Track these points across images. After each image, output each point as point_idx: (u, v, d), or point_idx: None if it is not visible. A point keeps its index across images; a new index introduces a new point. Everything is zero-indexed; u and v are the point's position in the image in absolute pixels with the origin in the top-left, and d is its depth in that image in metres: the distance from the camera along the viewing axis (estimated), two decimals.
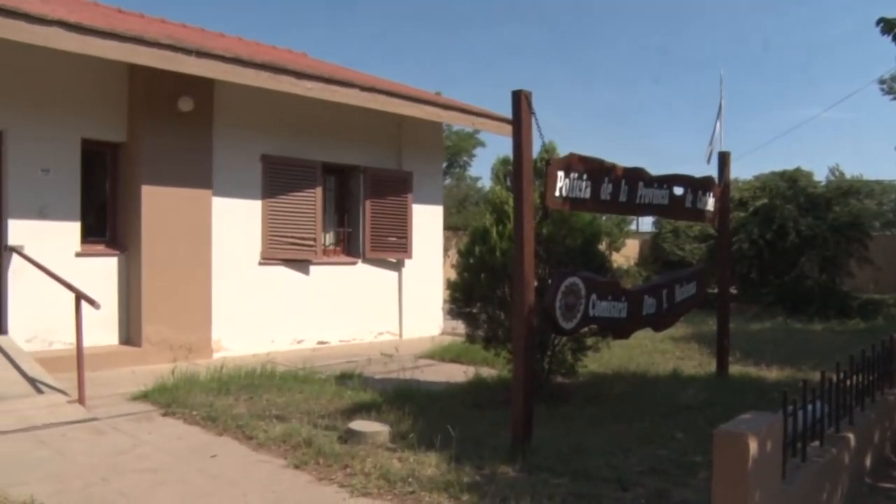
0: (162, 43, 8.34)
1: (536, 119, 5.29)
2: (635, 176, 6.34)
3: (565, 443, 5.34)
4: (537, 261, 5.49)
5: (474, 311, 7.37)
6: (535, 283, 5.35)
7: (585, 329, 6.41)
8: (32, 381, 7.06)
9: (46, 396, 6.80)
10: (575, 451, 5.15)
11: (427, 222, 12.49)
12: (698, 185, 7.45)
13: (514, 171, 5.37)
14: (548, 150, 6.23)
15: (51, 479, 4.72)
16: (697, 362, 9.53)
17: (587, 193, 5.71)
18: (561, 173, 5.43)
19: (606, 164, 5.96)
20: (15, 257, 8.42)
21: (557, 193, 5.43)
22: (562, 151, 6.64)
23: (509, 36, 62.63)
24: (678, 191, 7.10)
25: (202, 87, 9.44)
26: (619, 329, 6.35)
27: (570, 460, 4.95)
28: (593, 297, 5.70)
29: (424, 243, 12.40)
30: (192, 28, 11.83)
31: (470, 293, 7.28)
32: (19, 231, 8.52)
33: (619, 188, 6.10)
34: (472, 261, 7.19)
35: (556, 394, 7.13)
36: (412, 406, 6.33)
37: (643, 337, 9.87)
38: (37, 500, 4.25)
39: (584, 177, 5.64)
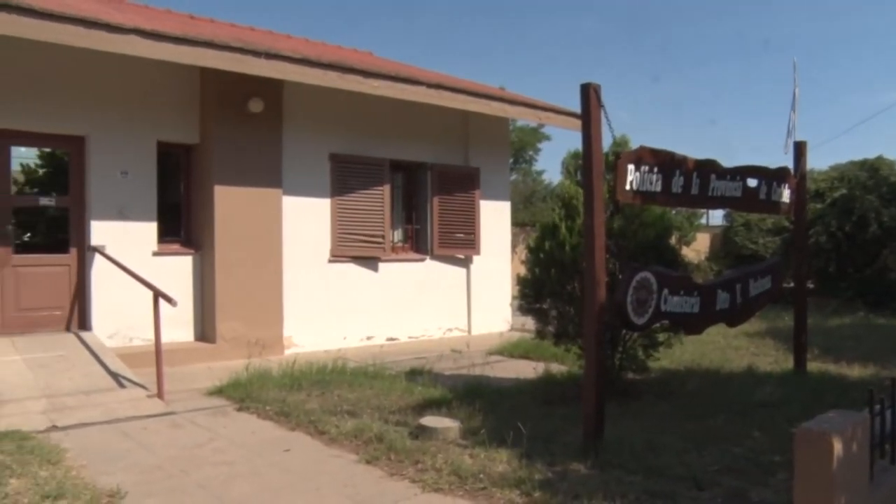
0: (232, 46, 8.53)
1: (606, 112, 5.23)
2: (707, 168, 6.21)
3: (637, 440, 5.25)
4: (607, 256, 5.42)
5: (544, 306, 7.31)
6: (606, 279, 5.28)
7: (657, 324, 6.30)
8: (115, 376, 7.32)
9: (128, 391, 7.04)
10: (648, 449, 5.06)
11: (494, 218, 12.47)
12: (773, 177, 7.24)
13: (583, 165, 5.31)
14: (619, 143, 6.14)
15: (134, 470, 4.88)
16: (773, 359, 9.26)
17: (658, 187, 5.62)
18: (631, 167, 5.35)
19: (677, 156, 5.84)
20: (97, 257, 8.75)
21: (628, 187, 5.35)
22: (630, 145, 6.56)
23: (574, 28, 61.91)
24: (752, 182, 6.91)
25: (271, 89, 9.62)
26: (691, 324, 6.22)
27: (642, 458, 4.87)
28: (665, 291, 5.60)
29: (492, 239, 12.38)
30: (261, 31, 12.06)
31: (540, 289, 7.24)
32: (101, 232, 8.85)
33: (691, 181, 5.98)
34: (541, 256, 7.15)
35: (626, 390, 7.03)
36: (482, 402, 6.33)
37: (716, 332, 9.65)
38: (122, 489, 4.40)
39: (655, 170, 5.54)
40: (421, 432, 5.45)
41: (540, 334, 7.63)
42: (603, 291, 5.20)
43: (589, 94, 5.18)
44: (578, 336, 6.94)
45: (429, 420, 5.63)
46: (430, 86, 10.38)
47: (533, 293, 7.37)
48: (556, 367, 8.33)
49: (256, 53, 8.69)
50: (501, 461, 4.86)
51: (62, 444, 5.37)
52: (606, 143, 5.50)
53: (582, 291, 6.38)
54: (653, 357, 7.39)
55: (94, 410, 6.40)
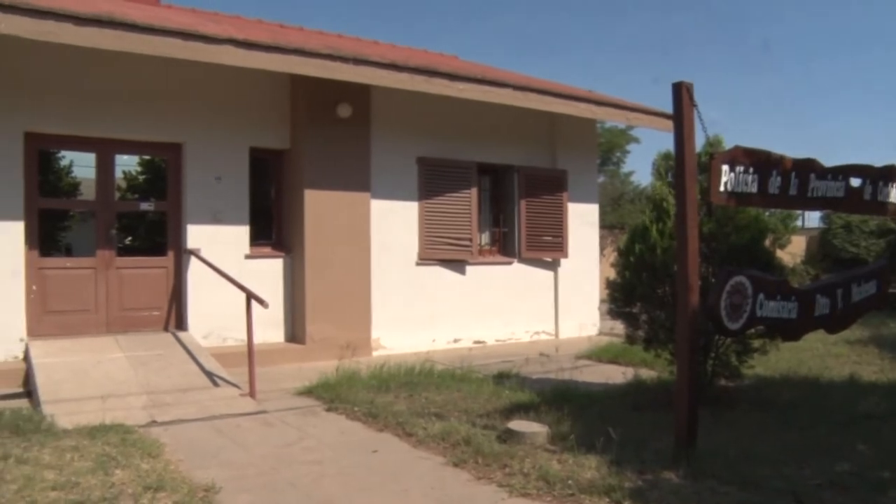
0: (321, 53, 8.70)
1: (699, 111, 5.06)
2: (807, 167, 5.94)
3: (732, 449, 5.06)
4: (700, 259, 5.26)
5: (634, 310, 7.17)
6: (699, 283, 5.12)
7: (752, 330, 6.08)
8: (210, 375, 7.55)
9: (222, 389, 7.25)
10: (743, 459, 4.87)
11: (582, 221, 12.32)
12: (879, 176, 6.87)
13: (675, 166, 5.16)
14: (712, 143, 5.96)
15: (228, 466, 5.01)
16: (877, 368, 8.82)
17: (754, 187, 5.41)
18: (726, 167, 5.17)
19: (774, 155, 5.62)
20: (193, 259, 9.05)
21: (722, 188, 5.17)
22: (724, 144, 6.36)
23: (662, 27, 60.65)
24: (855, 182, 6.57)
25: (359, 94, 9.75)
26: (788, 330, 5.96)
27: (737, 468, 4.68)
28: (761, 296, 5.38)
29: (580, 242, 12.24)
30: (348, 38, 12.27)
31: (630, 293, 7.10)
32: (196, 235, 9.15)
33: (789, 181, 5.73)
34: (631, 259, 7.01)
35: (719, 398, 6.81)
36: (570, 407, 6.23)
37: (814, 339, 9.24)
38: (217, 484, 4.51)
39: (751, 170, 5.34)
40: (508, 436, 5.40)
41: (629, 339, 7.49)
42: (696, 296, 5.05)
43: (681, 92, 5.04)
44: (669, 341, 6.78)
45: (516, 424, 5.58)
46: (516, 88, 10.34)
47: (622, 297, 7.24)
48: (646, 373, 8.15)
49: (345, 59, 8.83)
50: (590, 467, 4.76)
51: (161, 438, 5.56)
52: (698, 143, 5.34)
53: (673, 295, 6.22)
54: (747, 364, 7.14)
55: (191, 407, 6.62)
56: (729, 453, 4.95)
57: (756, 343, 6.96)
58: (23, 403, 6.75)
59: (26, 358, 7.79)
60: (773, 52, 56.97)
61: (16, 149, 8.18)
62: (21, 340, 8.09)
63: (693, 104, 5.04)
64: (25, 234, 8.24)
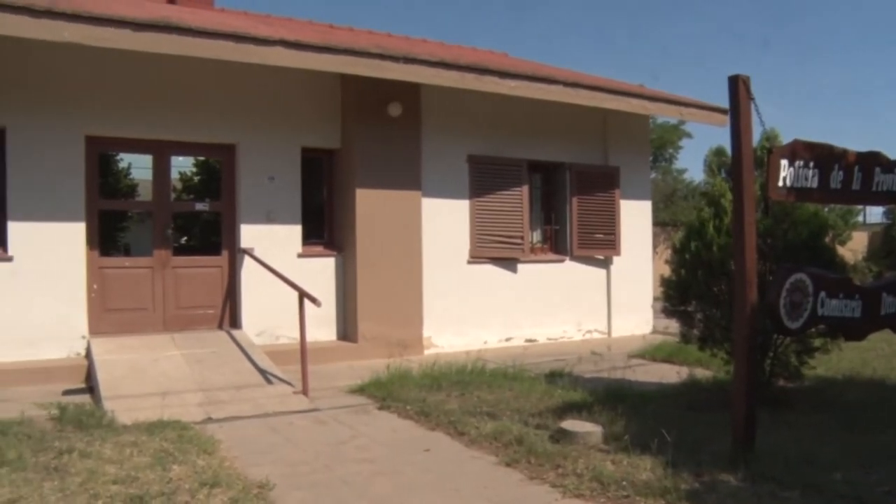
0: (371, 52, 8.73)
1: (756, 105, 4.93)
2: (871, 161, 5.75)
3: (792, 452, 4.93)
4: (758, 256, 5.12)
5: (689, 309, 7.04)
6: (756, 280, 4.99)
7: (812, 329, 5.92)
8: (263, 373, 7.64)
9: (275, 387, 7.33)
10: (804, 462, 4.73)
11: (635, 218, 12.16)
12: None
13: (732, 161, 5.04)
14: (769, 137, 5.80)
15: (281, 463, 5.05)
16: None
17: (814, 182, 5.25)
18: (784, 162, 5.03)
19: (836, 149, 5.45)
20: (247, 259, 9.17)
21: (781, 184, 5.03)
22: (781, 139, 6.19)
23: (714, 20, 59.58)
24: None
25: (409, 92, 9.77)
26: (851, 330, 5.78)
27: (799, 472, 4.54)
28: (822, 294, 5.23)
29: (633, 240, 12.08)
30: (397, 37, 12.30)
31: (685, 291, 6.97)
32: (250, 235, 9.27)
33: (852, 175, 5.55)
34: (687, 257, 6.88)
35: (778, 398, 6.63)
36: (624, 407, 6.14)
37: (879, 339, 8.92)
38: (271, 481, 4.55)
39: (811, 164, 5.19)
40: (561, 436, 5.35)
41: (684, 337, 7.36)
42: (754, 294, 4.92)
43: (738, 86, 4.91)
44: (725, 340, 6.65)
45: (569, 424, 5.52)
46: (567, 84, 10.24)
47: (677, 295, 7.11)
48: (701, 372, 7.99)
49: (395, 58, 8.85)
50: (645, 469, 4.67)
51: (216, 435, 5.63)
52: (755, 137, 5.21)
53: (730, 293, 6.08)
54: (807, 364, 6.95)
55: (245, 405, 6.70)
56: (789, 456, 4.82)
57: (817, 342, 6.77)
58: (85, 399, 6.92)
59: (88, 355, 7.99)
60: (826, 46, 55.38)
61: (77, 152, 8.40)
62: (83, 338, 8.31)
63: (750, 97, 4.92)
64: (87, 235, 8.46)
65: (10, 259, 8.03)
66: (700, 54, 57.21)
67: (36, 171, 8.13)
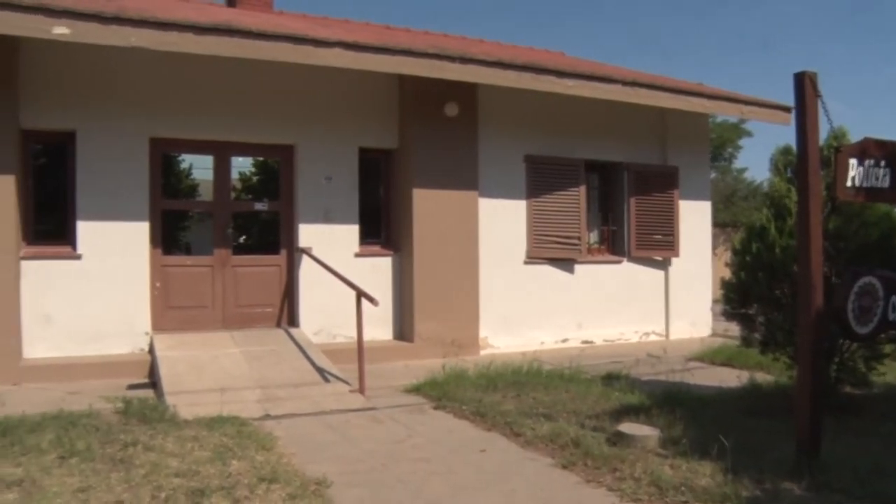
0: (428, 52, 8.75)
1: (823, 102, 4.79)
2: None
3: (860, 462, 4.75)
4: (823, 258, 4.97)
5: (750, 312, 6.88)
6: (822, 284, 4.85)
7: (882, 335, 5.72)
8: (320, 371, 7.72)
9: (332, 385, 7.40)
10: (874, 472, 4.55)
11: (694, 219, 11.94)
12: None
13: (797, 160, 4.91)
14: (837, 135, 5.63)
15: (338, 461, 5.09)
16: None
17: (886, 182, 5.07)
18: (853, 161, 4.88)
19: None
20: (305, 258, 9.28)
21: (849, 183, 4.88)
22: (849, 137, 5.99)
23: (774, 15, 58.16)
24: None
25: (466, 92, 9.76)
26: None
27: (868, 482, 4.37)
28: (893, 298, 5.06)
29: (691, 241, 11.87)
30: (454, 37, 12.31)
31: (745, 293, 6.81)
32: (308, 234, 9.38)
33: None
34: (748, 259, 6.72)
35: (844, 405, 6.42)
36: (682, 410, 6.05)
37: None
38: (328, 478, 4.58)
39: (883, 163, 5.02)
40: (618, 439, 5.28)
41: (745, 341, 7.20)
42: (820, 297, 4.78)
43: (804, 83, 4.78)
44: (787, 344, 6.48)
45: (627, 427, 5.45)
46: (625, 83, 10.11)
47: (738, 297, 6.96)
48: (762, 377, 7.82)
49: (451, 58, 8.85)
50: (704, 474, 4.59)
51: (274, 431, 5.71)
52: (821, 136, 5.06)
53: (793, 297, 5.92)
54: (876, 370, 6.72)
55: (302, 402, 6.78)
56: (857, 466, 4.65)
57: (887, 349, 6.55)
58: (148, 393, 7.09)
59: (151, 350, 8.19)
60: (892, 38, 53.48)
61: (142, 154, 8.62)
62: (146, 334, 8.51)
63: (817, 95, 4.78)
64: (150, 234, 8.67)
65: (78, 257, 8.29)
66: (762, 49, 55.94)
67: (103, 173, 8.37)
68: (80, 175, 8.34)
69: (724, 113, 12.83)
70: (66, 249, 8.34)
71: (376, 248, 10.00)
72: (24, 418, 5.72)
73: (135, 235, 8.54)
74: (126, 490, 4.26)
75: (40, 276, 8.12)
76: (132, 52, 7.62)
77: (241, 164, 14.82)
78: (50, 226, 8.58)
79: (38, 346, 8.07)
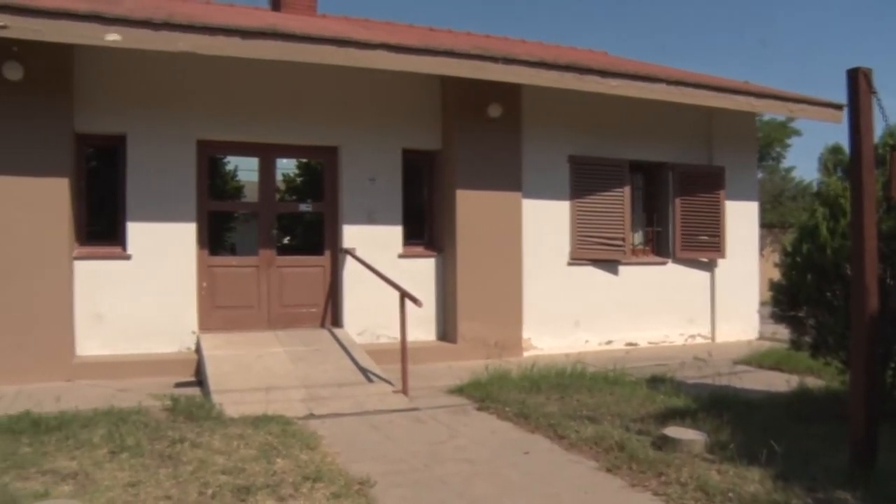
0: (471, 53, 8.74)
1: (879, 99, 4.67)
2: None
3: None
4: (878, 260, 4.85)
5: (800, 314, 6.72)
6: (877, 286, 4.72)
7: None
8: (364, 371, 7.77)
9: (375, 385, 7.44)
10: None
11: (741, 219, 11.74)
12: None
13: (850, 160, 4.79)
14: (892, 133, 5.49)
15: (382, 461, 5.11)
16: None
17: None
18: None
19: None
20: (348, 259, 9.35)
21: None
22: None
23: (821, 8, 56.89)
24: None
25: (509, 93, 9.73)
26: None
27: None
28: None
29: (738, 242, 11.67)
30: (496, 37, 12.29)
31: (795, 295, 6.66)
32: (351, 235, 9.45)
33: None
34: (798, 260, 6.57)
35: None
36: (730, 415, 5.93)
37: None
38: (372, 478, 4.61)
39: None
40: (664, 443, 5.22)
41: (794, 344, 7.03)
42: (874, 300, 4.67)
43: (857, 79, 4.67)
44: (839, 348, 6.31)
45: (672, 431, 5.38)
46: (669, 83, 9.98)
47: (787, 300, 6.81)
48: (813, 381, 7.65)
49: (494, 59, 8.83)
50: (753, 480, 4.50)
51: (318, 431, 5.76)
52: (876, 134, 4.94)
53: (845, 299, 5.78)
54: None
55: (346, 402, 6.82)
56: None
57: None
58: (195, 391, 7.21)
59: (197, 349, 8.32)
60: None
61: (190, 156, 8.78)
62: (193, 333, 8.66)
63: (872, 91, 4.66)
64: (197, 235, 8.82)
65: (128, 258, 8.47)
66: (809, 46, 54.85)
67: (152, 175, 8.54)
68: (129, 177, 8.52)
69: (773, 111, 12.62)
70: (117, 250, 8.53)
71: (419, 249, 10.03)
72: (77, 413, 5.89)
73: (182, 236, 8.70)
74: (174, 486, 4.34)
75: (92, 276, 8.32)
76: (180, 56, 7.77)
77: (285, 166, 15.00)
78: (101, 227, 8.79)
79: (89, 343, 8.27)
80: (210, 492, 4.25)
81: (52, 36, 7.01)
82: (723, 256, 11.54)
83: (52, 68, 7.85)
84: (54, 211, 7.90)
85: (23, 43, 7.21)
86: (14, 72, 7.59)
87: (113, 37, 7.12)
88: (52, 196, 7.89)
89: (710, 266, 11.58)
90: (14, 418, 5.73)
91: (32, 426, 5.54)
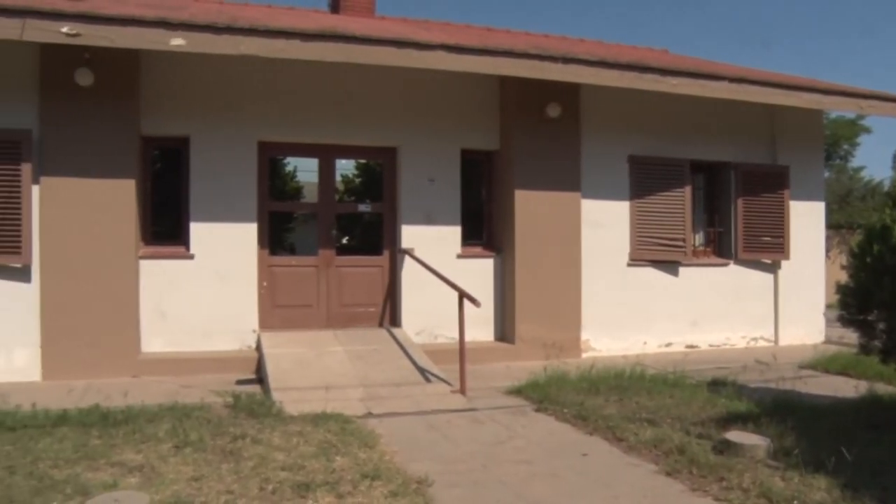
0: (529, 53, 8.70)
1: None
2: None
3: None
4: None
5: (870, 318, 6.50)
6: None
7: None
8: (422, 371, 7.80)
9: (433, 385, 7.46)
10: None
11: (806, 220, 11.43)
12: None
13: None
14: None
15: (439, 460, 5.13)
16: None
17: None
18: None
19: None
20: (407, 259, 9.40)
21: None
22: None
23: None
24: None
25: (568, 93, 9.66)
26: None
27: None
28: None
29: (803, 243, 11.36)
30: (555, 37, 12.22)
31: (865, 298, 6.44)
32: (410, 235, 9.49)
33: None
34: (868, 261, 6.34)
35: None
36: (794, 420, 5.78)
37: None
38: (429, 477, 4.63)
39: None
40: (725, 447, 5.11)
41: (863, 349, 6.78)
42: None
43: None
44: None
45: (734, 435, 5.27)
46: (732, 80, 9.77)
47: (856, 303, 6.58)
48: (883, 388, 7.42)
49: (553, 59, 8.77)
50: (819, 489, 4.37)
51: (377, 429, 5.80)
52: None
53: None
54: None
55: (404, 401, 6.86)
56: None
57: None
58: (255, 389, 7.35)
59: (258, 348, 8.47)
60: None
61: (251, 157, 8.94)
62: (253, 332, 8.82)
63: None
64: (258, 235, 8.98)
65: (191, 257, 8.66)
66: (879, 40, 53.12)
67: (214, 176, 8.73)
68: (192, 178, 8.73)
69: (841, 109, 12.23)
70: (180, 249, 8.73)
71: (478, 250, 10.02)
72: (143, 408, 6.07)
73: (243, 236, 8.86)
74: (236, 481, 4.43)
75: (157, 275, 8.54)
76: (241, 59, 7.93)
77: (344, 167, 15.16)
78: (165, 227, 9.03)
79: (154, 340, 8.49)
80: (270, 487, 4.33)
81: (122, 42, 7.23)
82: (786, 258, 11.26)
83: (120, 74, 8.10)
84: (122, 212, 8.15)
85: (92, 49, 7.46)
86: (85, 78, 7.85)
87: (177, 41, 7.30)
88: (120, 197, 8.13)
89: (773, 267, 11.30)
90: (84, 411, 5.95)
91: (101, 419, 5.76)
